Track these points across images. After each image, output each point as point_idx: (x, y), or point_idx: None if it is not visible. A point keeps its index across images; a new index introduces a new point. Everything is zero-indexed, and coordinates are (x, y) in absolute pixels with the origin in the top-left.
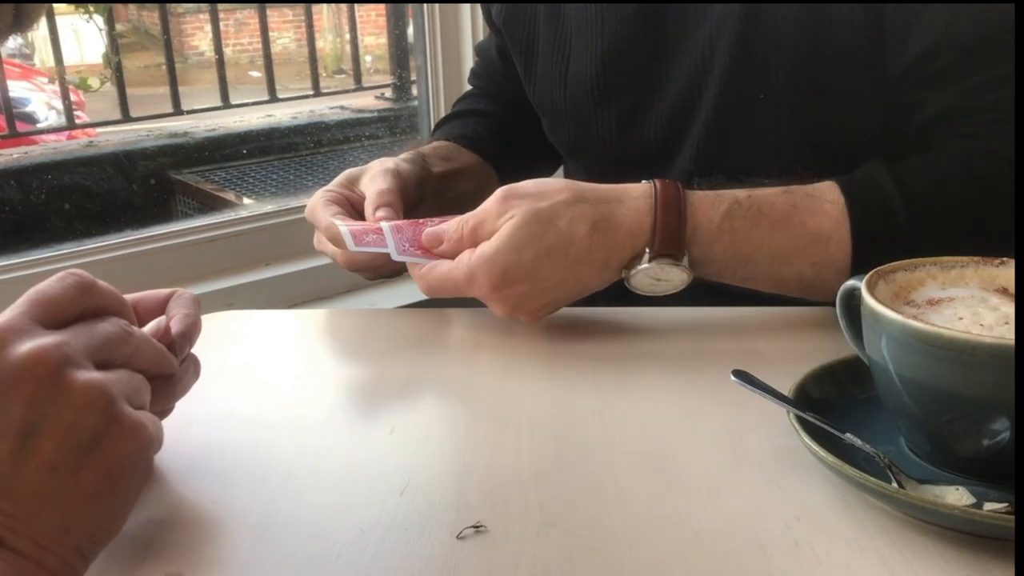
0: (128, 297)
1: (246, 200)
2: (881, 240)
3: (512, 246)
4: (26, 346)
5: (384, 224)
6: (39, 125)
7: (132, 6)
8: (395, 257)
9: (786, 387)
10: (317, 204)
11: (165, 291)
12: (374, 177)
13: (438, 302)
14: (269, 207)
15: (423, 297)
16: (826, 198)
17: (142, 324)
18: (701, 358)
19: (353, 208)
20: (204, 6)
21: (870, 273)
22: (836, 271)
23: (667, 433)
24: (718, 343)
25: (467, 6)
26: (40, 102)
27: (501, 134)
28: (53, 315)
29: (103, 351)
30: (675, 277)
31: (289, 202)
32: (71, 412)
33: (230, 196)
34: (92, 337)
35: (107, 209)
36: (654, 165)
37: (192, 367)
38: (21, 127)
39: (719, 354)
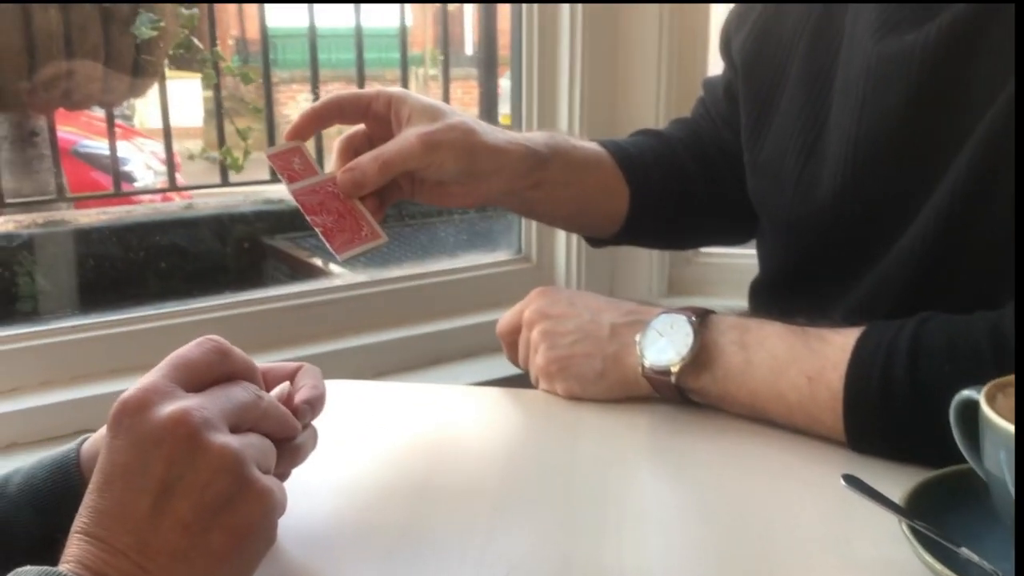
0: (258, 366)
1: (332, 267)
2: (873, 379)
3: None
4: (168, 408)
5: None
6: (136, 184)
7: (229, 76)
8: (288, 189)
9: (895, 492)
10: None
11: (293, 364)
12: (400, 142)
13: (523, 380)
14: (361, 277)
15: (505, 373)
16: (845, 331)
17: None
18: (808, 458)
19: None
20: (299, 75)
21: (989, 385)
22: (831, 398)
23: (772, 535)
24: (826, 443)
25: (565, 79)
26: (139, 162)
27: (669, 167)
28: (192, 379)
29: (236, 415)
30: (680, 337)
31: (380, 273)
32: (206, 473)
33: (319, 263)
34: (227, 401)
35: (201, 270)
36: (867, 246)
37: (312, 435)
38: (123, 187)
39: (827, 455)
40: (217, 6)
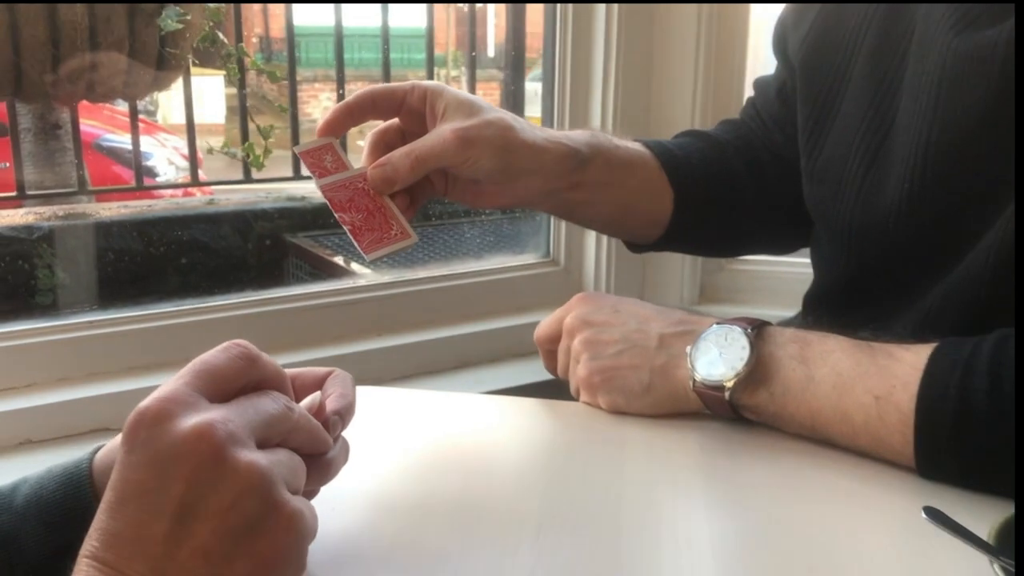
0: (287, 372)
1: (354, 266)
2: (949, 400)
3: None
4: (191, 421)
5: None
6: (158, 179)
7: (252, 72)
8: (317, 184)
9: (977, 526)
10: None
11: (323, 369)
12: (435, 137)
13: (550, 388)
14: (385, 278)
15: (530, 379)
16: (915, 347)
17: (298, 400)
18: (876, 485)
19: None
20: (322, 74)
21: None
22: (900, 420)
23: (840, 572)
24: (893, 468)
25: (599, 80)
26: (161, 157)
27: (717, 170)
28: (218, 387)
29: (264, 428)
30: (735, 350)
31: (403, 274)
32: (231, 495)
33: (341, 262)
34: (256, 413)
35: (222, 267)
36: (935, 256)
37: (343, 449)
38: (145, 181)
39: (895, 481)
40: (242, 4)
